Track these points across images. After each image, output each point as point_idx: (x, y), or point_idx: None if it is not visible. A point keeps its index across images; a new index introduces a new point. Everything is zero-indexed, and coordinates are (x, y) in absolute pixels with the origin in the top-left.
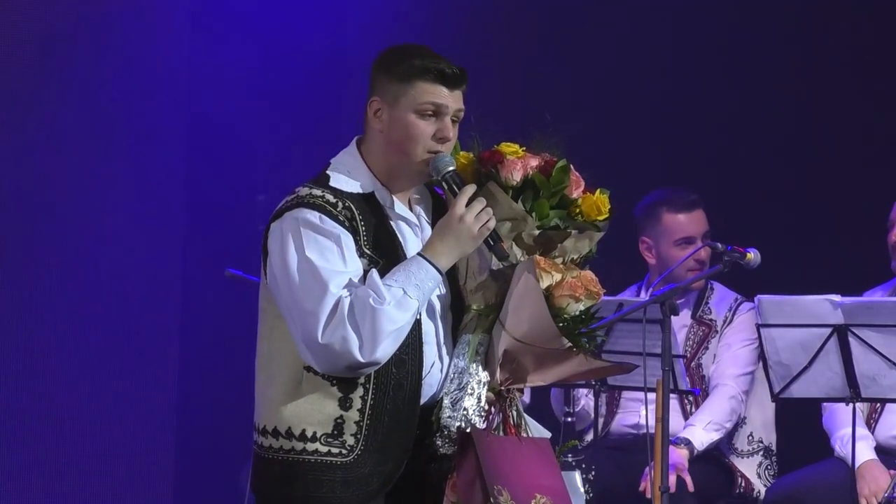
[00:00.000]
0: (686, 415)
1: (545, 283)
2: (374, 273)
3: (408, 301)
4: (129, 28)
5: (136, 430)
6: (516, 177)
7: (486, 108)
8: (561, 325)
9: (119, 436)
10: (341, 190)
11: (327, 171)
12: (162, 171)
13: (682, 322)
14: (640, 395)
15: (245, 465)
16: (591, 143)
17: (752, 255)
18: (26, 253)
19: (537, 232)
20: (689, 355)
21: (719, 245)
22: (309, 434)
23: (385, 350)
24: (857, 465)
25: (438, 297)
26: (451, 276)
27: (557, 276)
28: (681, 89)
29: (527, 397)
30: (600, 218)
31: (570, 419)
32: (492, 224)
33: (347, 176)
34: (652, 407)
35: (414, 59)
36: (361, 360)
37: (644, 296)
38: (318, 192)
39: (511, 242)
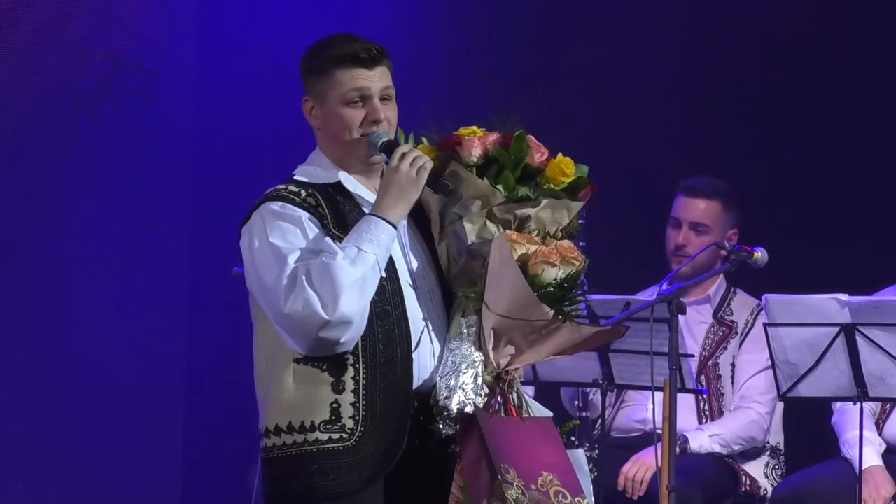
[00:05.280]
0: (699, 412)
1: (517, 254)
2: (327, 238)
3: (363, 255)
4: (139, 27)
5: (142, 430)
6: (475, 153)
7: (499, 103)
8: (541, 292)
9: (125, 436)
10: (306, 181)
11: (293, 172)
12: (168, 169)
13: (701, 318)
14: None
15: (252, 466)
16: (604, 143)
17: (760, 254)
18: (33, 253)
19: (505, 203)
20: (707, 353)
21: (727, 244)
22: (308, 424)
23: (349, 303)
24: (862, 468)
25: (426, 277)
26: (432, 264)
27: (532, 247)
28: (691, 87)
29: (531, 391)
30: (566, 180)
31: (584, 414)
32: (428, 165)
33: (312, 172)
34: (660, 404)
35: (328, 50)
36: (327, 317)
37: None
38: (281, 186)
39: (484, 220)
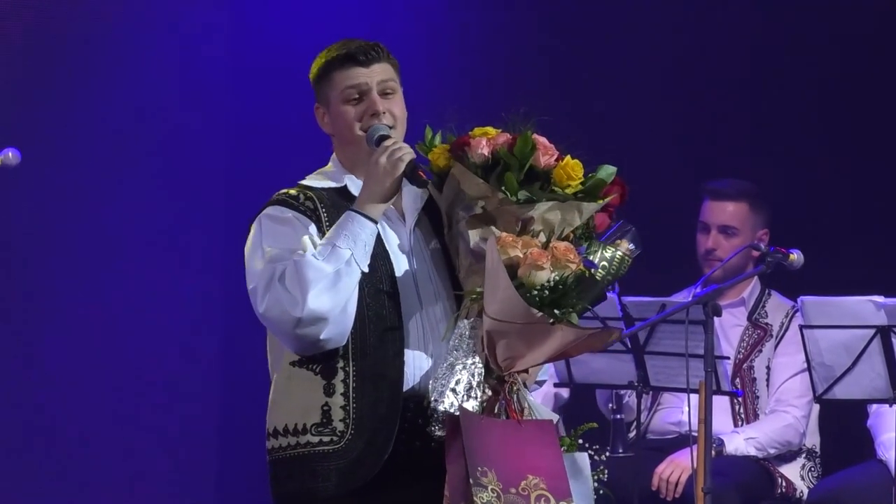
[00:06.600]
0: (734, 415)
1: (508, 256)
2: (305, 238)
3: (337, 251)
4: (171, 29)
5: (178, 433)
6: (483, 154)
7: (524, 104)
8: (532, 295)
9: (160, 439)
10: (309, 186)
11: (305, 177)
12: (203, 175)
13: (736, 321)
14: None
15: None
16: (637, 145)
17: (795, 256)
18: (64, 256)
19: (506, 205)
20: (742, 356)
21: (762, 246)
22: (300, 427)
23: (319, 299)
24: None
25: (432, 279)
26: (441, 267)
27: (527, 250)
28: (725, 88)
29: (566, 393)
30: (572, 183)
31: (618, 416)
32: (406, 157)
33: (322, 177)
34: (695, 406)
35: (327, 55)
36: (296, 314)
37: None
38: (283, 190)
39: (489, 224)
